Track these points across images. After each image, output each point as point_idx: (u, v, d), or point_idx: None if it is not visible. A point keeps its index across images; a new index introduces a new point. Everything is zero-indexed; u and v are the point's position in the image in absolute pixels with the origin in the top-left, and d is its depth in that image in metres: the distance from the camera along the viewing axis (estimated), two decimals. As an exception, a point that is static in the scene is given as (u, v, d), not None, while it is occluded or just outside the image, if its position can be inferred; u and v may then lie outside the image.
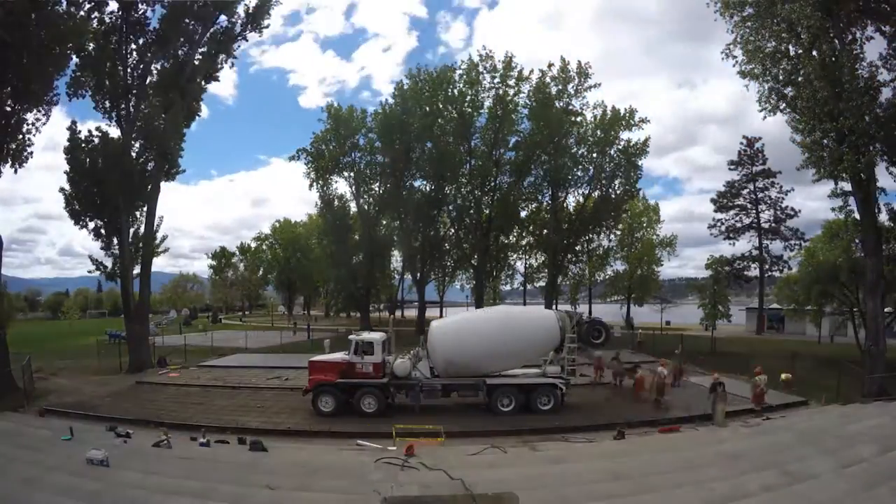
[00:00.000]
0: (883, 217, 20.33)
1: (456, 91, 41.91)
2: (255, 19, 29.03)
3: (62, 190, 26.36)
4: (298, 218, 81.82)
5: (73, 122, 26.43)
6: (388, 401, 16.83)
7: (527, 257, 55.90)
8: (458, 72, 41.82)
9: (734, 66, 21.54)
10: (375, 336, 17.24)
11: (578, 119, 41.44)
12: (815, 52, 18.43)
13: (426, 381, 16.98)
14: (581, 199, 44.38)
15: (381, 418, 16.00)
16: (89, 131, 26.42)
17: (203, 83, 29.47)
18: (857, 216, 19.96)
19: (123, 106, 26.55)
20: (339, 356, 17.17)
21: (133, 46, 26.82)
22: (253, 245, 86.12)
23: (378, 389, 16.55)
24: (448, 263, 55.11)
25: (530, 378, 17.19)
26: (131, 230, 27.39)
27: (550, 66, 40.58)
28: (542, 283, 55.20)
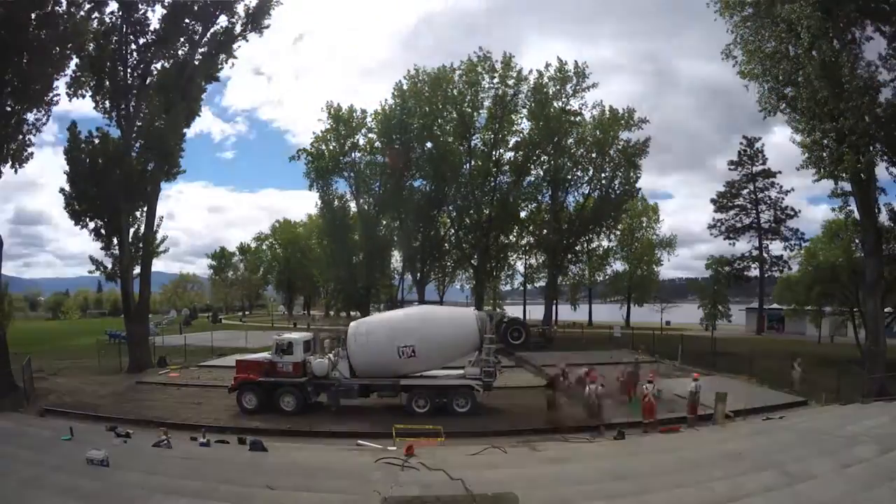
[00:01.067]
0: (883, 217, 20.32)
1: (455, 91, 41.92)
2: (256, 19, 28.99)
3: (62, 190, 26.41)
4: (298, 218, 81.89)
5: (74, 123, 26.51)
6: (307, 400, 17.05)
7: (527, 257, 55.99)
8: (458, 72, 41.84)
9: (734, 66, 21.57)
10: (295, 336, 17.62)
11: (577, 119, 41.48)
12: (814, 53, 18.40)
13: (343, 381, 17.03)
14: (581, 199, 44.44)
15: (301, 416, 16.42)
16: (90, 132, 26.49)
17: (203, 83, 29.46)
18: (857, 216, 19.97)
19: (124, 106, 26.54)
20: (262, 356, 17.65)
21: (133, 46, 26.81)
22: (253, 245, 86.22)
23: (297, 388, 16.84)
24: (448, 263, 55.11)
25: (444, 379, 16.99)
26: (131, 230, 27.40)
27: (548, 66, 40.68)
28: (541, 283, 55.31)
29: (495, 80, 41.18)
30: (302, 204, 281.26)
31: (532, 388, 20.05)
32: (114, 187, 25.75)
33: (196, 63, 28.31)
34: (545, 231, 44.38)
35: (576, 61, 40.23)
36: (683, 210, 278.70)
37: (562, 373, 19.01)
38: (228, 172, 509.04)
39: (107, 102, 26.36)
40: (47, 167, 42.66)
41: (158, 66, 27.58)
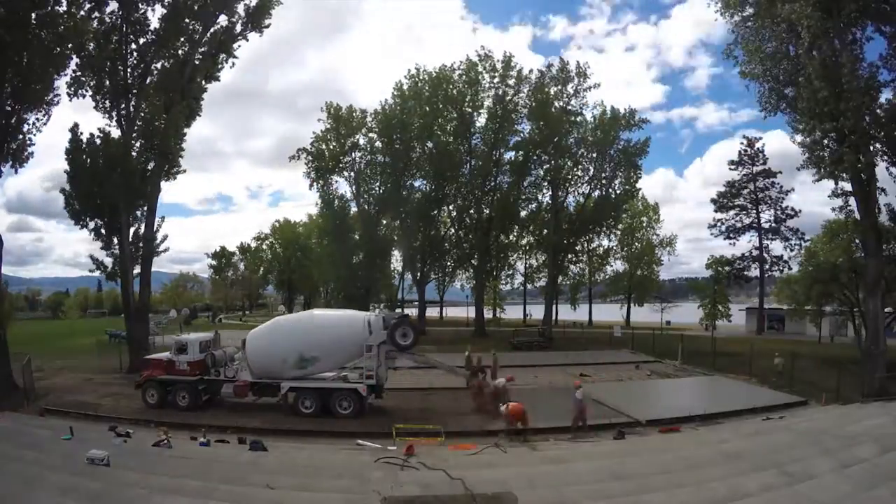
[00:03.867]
0: (883, 217, 20.34)
1: (455, 91, 41.91)
2: (256, 19, 28.99)
3: (63, 190, 26.43)
4: (299, 218, 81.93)
5: (76, 124, 26.52)
6: (202, 397, 17.85)
7: (527, 257, 56.09)
8: (458, 72, 41.86)
9: (735, 66, 21.60)
10: (191, 337, 18.47)
11: (578, 119, 41.48)
12: (815, 53, 18.42)
13: (235, 381, 17.77)
14: (581, 199, 44.43)
15: (199, 412, 17.12)
16: (91, 133, 26.52)
17: (203, 83, 29.45)
18: (858, 216, 19.96)
19: (124, 106, 26.54)
20: (164, 355, 18.44)
21: (133, 46, 26.78)
22: (253, 245, 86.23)
23: (191, 386, 17.63)
24: (448, 263, 55.07)
25: (327, 382, 17.25)
26: (132, 230, 27.42)
27: (550, 66, 40.71)
28: (542, 283, 55.34)
29: (496, 80, 41.23)
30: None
31: (445, 389, 19.93)
32: (114, 187, 25.77)
33: (196, 63, 28.30)
34: (545, 231, 44.38)
35: (577, 61, 40.33)
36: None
37: (474, 372, 18.99)
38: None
39: (107, 102, 26.35)
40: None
41: (158, 66, 27.58)
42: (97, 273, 28.31)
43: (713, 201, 52.41)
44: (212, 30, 28.45)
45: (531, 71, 41.15)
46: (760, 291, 50.84)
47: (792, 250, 47.08)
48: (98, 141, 26.39)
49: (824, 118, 18.49)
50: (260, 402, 18.02)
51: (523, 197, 44.79)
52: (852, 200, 19.61)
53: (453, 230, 47.47)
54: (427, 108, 42.37)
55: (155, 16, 26.81)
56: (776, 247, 49.74)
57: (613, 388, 21.56)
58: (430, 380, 21.75)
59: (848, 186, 19.44)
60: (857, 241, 22.82)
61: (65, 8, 21.63)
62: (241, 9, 28.75)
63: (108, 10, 25.80)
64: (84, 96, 25.69)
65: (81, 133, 26.37)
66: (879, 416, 13.03)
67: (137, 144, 27.30)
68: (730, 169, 52.25)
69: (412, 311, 46.29)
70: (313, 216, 65.01)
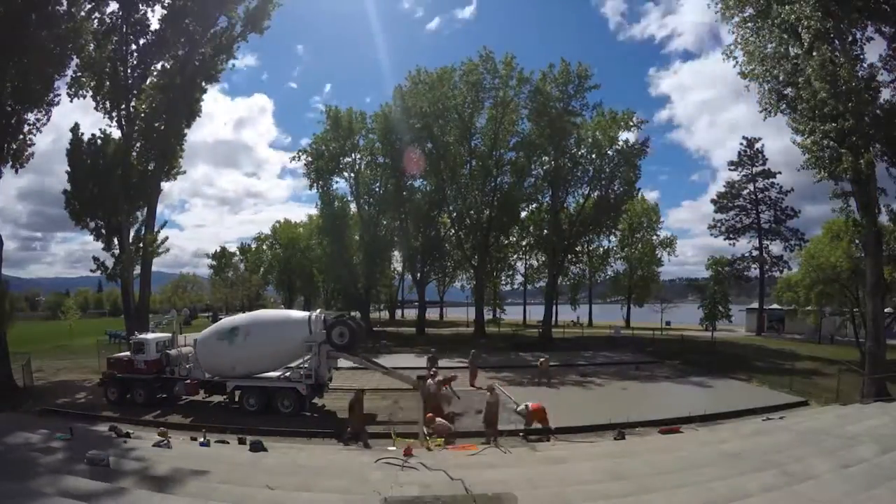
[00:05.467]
0: (883, 218, 20.31)
1: (456, 92, 41.90)
2: (256, 20, 29.04)
3: (64, 191, 26.44)
4: (299, 218, 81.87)
5: (76, 125, 26.55)
6: (157, 394, 18.67)
7: (527, 258, 56.10)
8: (458, 73, 41.82)
9: (735, 66, 21.58)
10: (148, 337, 19.17)
11: (578, 120, 41.43)
12: (814, 53, 18.42)
13: (187, 380, 18.49)
14: (581, 200, 44.40)
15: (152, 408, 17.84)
16: (92, 135, 26.53)
17: (203, 83, 29.48)
18: (858, 217, 19.95)
19: (124, 106, 26.58)
20: (125, 354, 19.36)
21: (133, 47, 26.86)
22: (253, 245, 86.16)
23: (147, 383, 18.56)
24: (448, 264, 55.10)
25: (270, 381, 17.71)
26: (132, 230, 27.43)
27: (551, 67, 40.64)
28: (542, 284, 55.32)
29: (496, 81, 41.19)
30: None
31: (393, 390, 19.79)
32: (114, 187, 25.79)
33: (196, 63, 28.34)
34: (545, 231, 44.35)
35: (579, 62, 40.18)
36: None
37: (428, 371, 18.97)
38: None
39: (107, 102, 26.39)
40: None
41: (158, 66, 27.65)
42: (97, 273, 28.34)
43: (713, 202, 52.56)
44: (212, 30, 28.50)
45: (532, 72, 41.16)
46: (760, 292, 50.86)
47: (792, 251, 47.15)
48: (98, 141, 26.43)
49: (824, 119, 18.49)
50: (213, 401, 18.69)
51: (523, 197, 44.77)
52: (852, 201, 19.62)
53: (453, 231, 47.46)
54: (427, 109, 42.35)
55: (155, 16, 26.91)
56: (776, 247, 49.89)
57: (613, 389, 21.57)
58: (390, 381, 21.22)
59: (848, 187, 19.45)
60: (857, 241, 22.80)
61: (65, 8, 21.67)
62: (240, 10, 28.83)
63: (108, 10, 25.92)
64: (84, 97, 25.76)
65: (82, 133, 26.44)
66: (879, 417, 13.01)
67: (137, 145, 27.33)
68: (729, 169, 52.39)
69: (412, 312, 46.30)
70: (313, 216, 65.06)
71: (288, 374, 17.55)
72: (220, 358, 17.84)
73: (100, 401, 19.07)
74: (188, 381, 18.35)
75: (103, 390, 18.95)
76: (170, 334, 20.11)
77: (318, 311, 19.44)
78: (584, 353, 32.06)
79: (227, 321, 19.74)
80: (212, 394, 18.80)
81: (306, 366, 17.34)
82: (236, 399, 18.01)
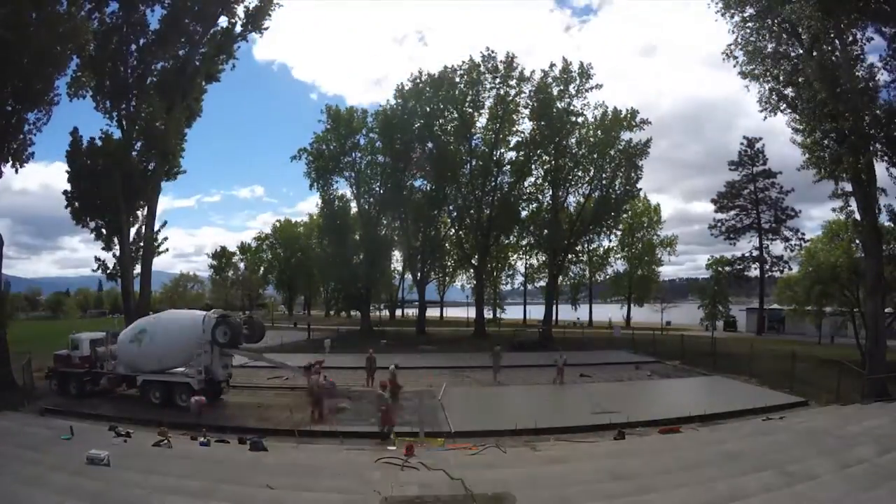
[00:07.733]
0: (883, 218, 20.29)
1: (457, 91, 41.89)
2: (256, 20, 29.07)
3: (64, 191, 26.46)
4: (299, 218, 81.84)
5: (76, 129, 26.58)
6: (87, 387, 19.86)
7: (527, 257, 56.13)
8: (459, 72, 41.84)
9: (735, 66, 21.58)
10: (82, 336, 20.57)
11: (579, 120, 41.44)
12: (814, 54, 18.41)
13: (107, 374, 19.92)
14: (581, 200, 44.40)
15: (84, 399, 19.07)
16: (92, 137, 26.55)
17: (203, 83, 29.50)
18: (858, 217, 19.95)
19: (124, 106, 26.61)
20: (65, 351, 20.51)
21: (133, 47, 26.88)
22: (253, 245, 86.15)
23: (79, 377, 19.96)
24: (448, 263, 55.07)
25: (170, 376, 18.80)
26: (132, 230, 27.45)
27: (552, 66, 40.66)
28: (542, 283, 55.35)
29: (497, 81, 41.20)
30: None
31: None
32: (114, 187, 25.80)
33: (196, 63, 28.36)
34: (545, 231, 44.36)
35: (580, 62, 40.22)
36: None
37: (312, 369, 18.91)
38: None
39: (107, 102, 26.43)
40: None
41: (158, 66, 27.65)
42: (98, 272, 28.39)
43: (713, 202, 52.49)
44: (212, 30, 28.52)
45: (533, 71, 41.18)
46: (761, 292, 50.83)
47: (792, 251, 47.11)
48: (99, 141, 26.44)
49: (824, 119, 18.48)
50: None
51: (524, 197, 44.77)
52: (852, 201, 19.61)
53: (453, 230, 47.46)
54: (428, 109, 42.36)
55: (155, 16, 26.93)
56: (776, 247, 49.83)
57: (613, 389, 21.55)
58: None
59: (848, 187, 19.44)
60: (857, 241, 22.79)
61: (65, 8, 21.66)
62: (240, 10, 28.86)
63: (109, 10, 25.96)
64: (84, 97, 25.78)
65: (82, 136, 26.45)
66: (879, 417, 13.01)
67: (137, 145, 27.34)
68: (730, 170, 52.33)
69: (412, 311, 46.28)
70: (313, 216, 65.06)
71: (185, 370, 18.59)
72: (133, 355, 19.03)
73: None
74: (110, 375, 19.82)
75: (49, 384, 20.39)
76: (104, 333, 21.22)
77: (213, 311, 20.05)
78: (584, 353, 31.99)
79: (141, 321, 20.80)
80: (130, 387, 19.76)
81: (198, 362, 18.25)
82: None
